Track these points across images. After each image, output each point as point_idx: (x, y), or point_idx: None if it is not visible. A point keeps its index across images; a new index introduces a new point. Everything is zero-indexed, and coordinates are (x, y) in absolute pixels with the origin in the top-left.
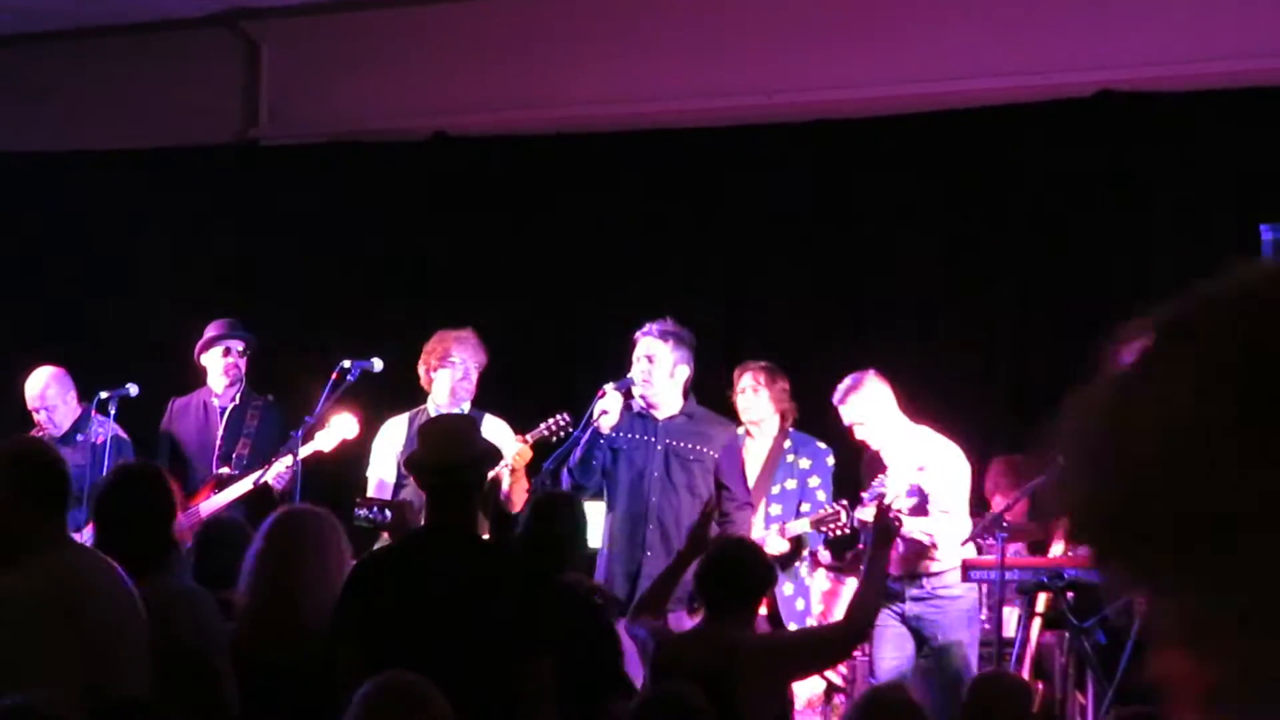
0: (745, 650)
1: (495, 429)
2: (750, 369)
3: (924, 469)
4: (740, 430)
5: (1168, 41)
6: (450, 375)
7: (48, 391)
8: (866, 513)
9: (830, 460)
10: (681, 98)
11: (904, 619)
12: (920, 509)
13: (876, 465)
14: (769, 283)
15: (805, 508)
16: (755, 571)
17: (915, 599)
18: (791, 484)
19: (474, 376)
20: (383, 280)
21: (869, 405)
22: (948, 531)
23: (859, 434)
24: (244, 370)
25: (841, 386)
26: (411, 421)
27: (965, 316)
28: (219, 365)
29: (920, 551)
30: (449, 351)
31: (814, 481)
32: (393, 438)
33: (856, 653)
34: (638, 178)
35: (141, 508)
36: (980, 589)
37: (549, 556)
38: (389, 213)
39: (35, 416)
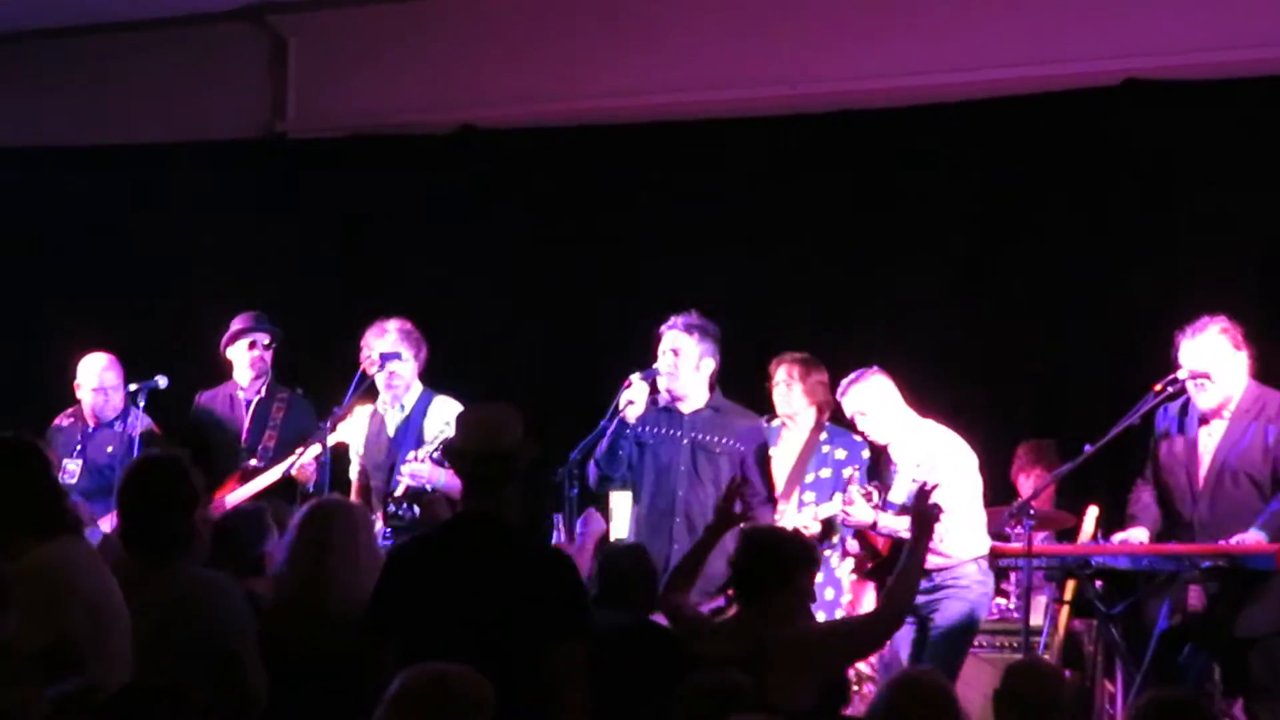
0: (774, 641)
1: (447, 410)
2: (785, 361)
3: (922, 465)
4: (777, 421)
5: (1194, 29)
6: (380, 375)
7: (106, 375)
8: (825, 509)
9: (866, 454)
10: (706, 89)
11: (914, 610)
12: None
13: (888, 465)
14: (795, 273)
15: (839, 497)
16: (789, 558)
17: (925, 590)
18: (826, 473)
19: (404, 369)
20: (409, 272)
21: (868, 397)
22: (943, 529)
23: (860, 425)
24: (269, 363)
25: (845, 380)
26: (371, 420)
27: (994, 304)
28: (245, 358)
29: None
30: (370, 348)
31: (848, 472)
32: (357, 433)
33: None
34: (663, 169)
35: (163, 497)
36: (1010, 576)
37: (621, 605)
38: (416, 205)
39: (86, 397)
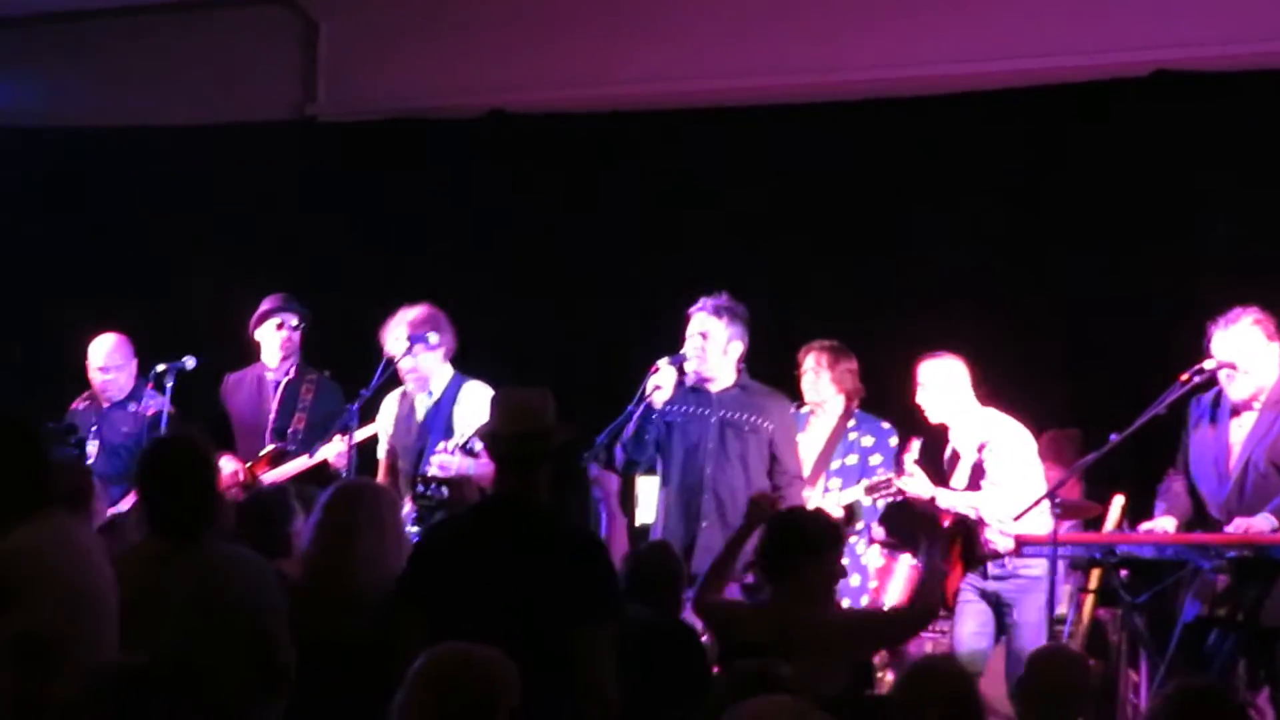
0: (802, 625)
1: (478, 395)
2: (814, 350)
3: (984, 447)
4: (806, 408)
5: (1225, 20)
6: (405, 360)
7: (113, 355)
8: (849, 495)
9: (893, 440)
10: (735, 75)
11: (984, 595)
12: (975, 485)
13: (953, 457)
14: (822, 260)
15: (863, 483)
16: (814, 537)
17: (996, 577)
18: (852, 459)
19: (427, 358)
20: (439, 255)
21: (934, 373)
22: (997, 504)
23: (919, 397)
24: (298, 344)
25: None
26: (401, 403)
27: (1017, 294)
28: (274, 339)
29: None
30: (394, 334)
31: (875, 459)
32: (387, 416)
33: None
34: (692, 154)
35: (181, 476)
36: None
37: (648, 601)
38: (445, 189)
39: (94, 378)
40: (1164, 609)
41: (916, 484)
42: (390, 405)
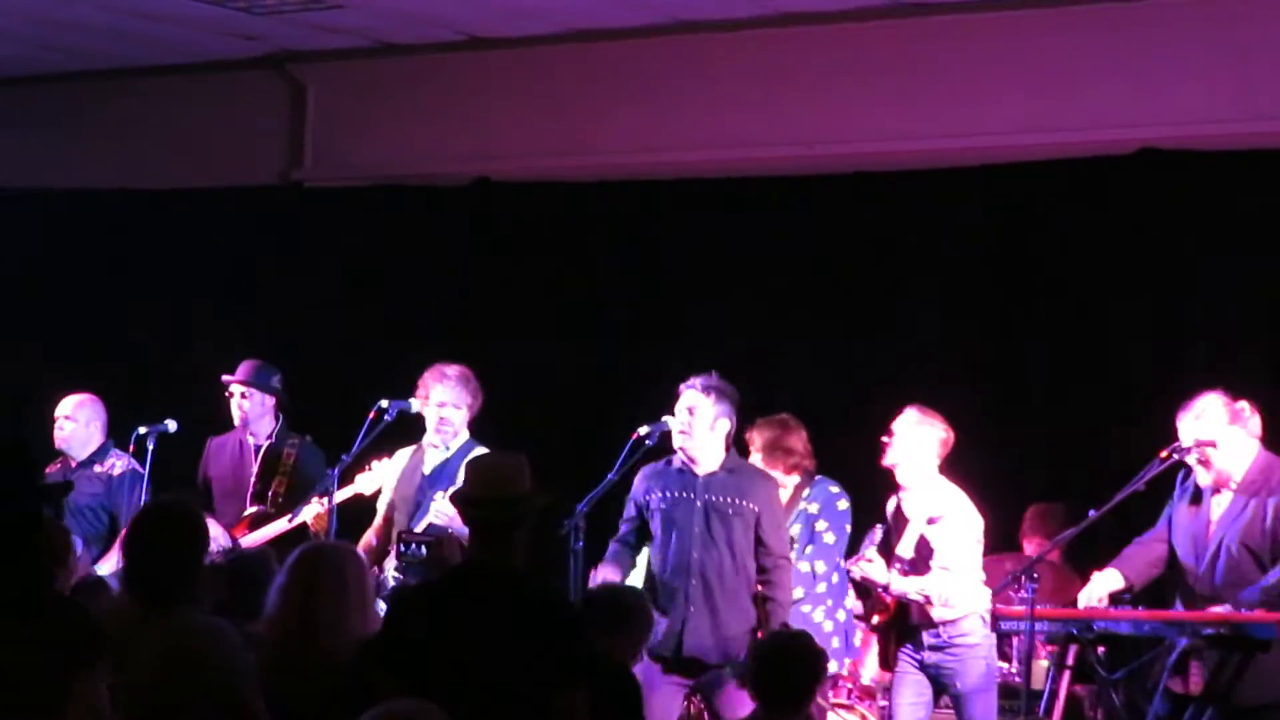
0: None
1: None
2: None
3: (935, 522)
4: None
5: (1211, 100)
6: (431, 414)
7: (78, 409)
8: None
9: (842, 504)
10: (721, 147)
11: (922, 666)
12: (923, 565)
13: (899, 518)
14: (804, 332)
15: (809, 550)
16: (806, 664)
17: (932, 647)
18: (796, 529)
19: (456, 415)
20: (423, 322)
21: (908, 431)
22: (945, 588)
23: (889, 449)
24: (266, 412)
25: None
26: (412, 457)
27: (1001, 368)
28: (233, 406)
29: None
30: (428, 389)
31: (820, 525)
32: (394, 470)
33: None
34: (677, 225)
35: (172, 543)
36: (1011, 640)
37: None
38: (430, 256)
39: (56, 431)
40: (1141, 685)
41: (874, 570)
42: (401, 458)
